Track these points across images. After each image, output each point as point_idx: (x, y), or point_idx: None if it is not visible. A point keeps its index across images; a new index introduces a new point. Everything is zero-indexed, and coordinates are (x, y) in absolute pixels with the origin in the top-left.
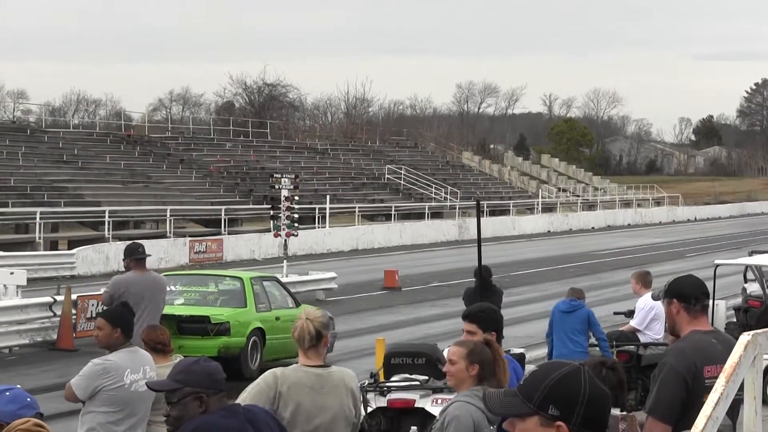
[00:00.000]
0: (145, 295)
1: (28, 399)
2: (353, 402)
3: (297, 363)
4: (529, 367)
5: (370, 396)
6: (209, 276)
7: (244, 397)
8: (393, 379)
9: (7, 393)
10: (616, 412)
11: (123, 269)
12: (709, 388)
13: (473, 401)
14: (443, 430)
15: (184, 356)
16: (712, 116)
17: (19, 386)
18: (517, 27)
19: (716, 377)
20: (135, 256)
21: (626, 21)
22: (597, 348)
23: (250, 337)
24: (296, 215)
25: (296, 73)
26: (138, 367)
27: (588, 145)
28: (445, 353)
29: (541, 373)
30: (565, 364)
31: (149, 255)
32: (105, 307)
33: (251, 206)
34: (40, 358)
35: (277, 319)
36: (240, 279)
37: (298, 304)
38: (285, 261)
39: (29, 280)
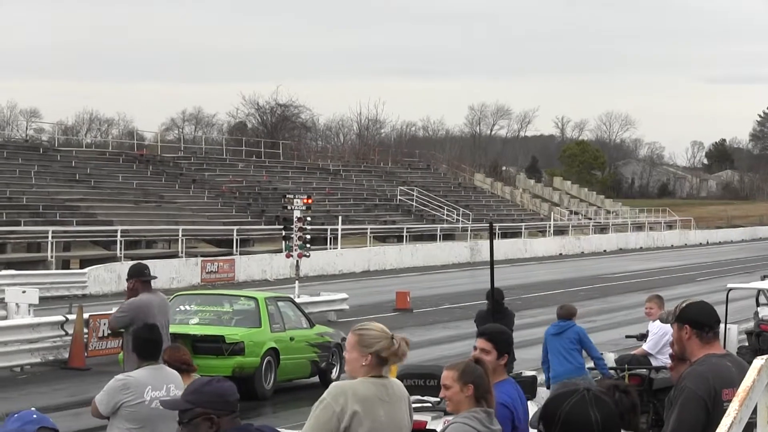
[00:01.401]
0: (158, 316)
1: (34, 416)
2: (410, 413)
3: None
4: (541, 390)
5: None
6: (224, 296)
7: (311, 417)
8: None
9: (15, 415)
10: None
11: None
12: None
13: (471, 422)
14: None
15: (201, 375)
16: (724, 140)
17: (33, 409)
18: (530, 49)
19: None
20: (143, 278)
21: (639, 44)
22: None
23: (264, 358)
24: (308, 236)
25: (309, 94)
26: (161, 385)
27: (600, 167)
28: None
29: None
30: (569, 387)
31: (155, 277)
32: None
33: (263, 227)
34: (51, 377)
35: (291, 339)
36: (255, 299)
37: (312, 325)
38: (297, 282)
39: (41, 298)
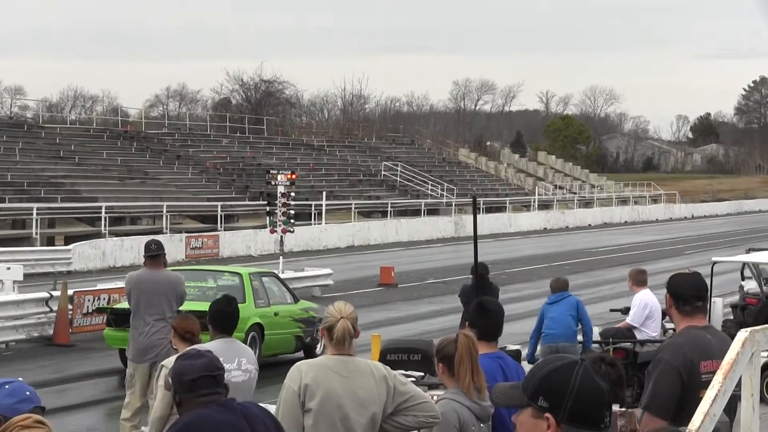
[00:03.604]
0: (151, 293)
1: (27, 392)
2: (386, 389)
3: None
4: (524, 365)
5: None
6: (208, 271)
7: (277, 407)
8: None
9: (6, 386)
10: (615, 408)
11: (124, 265)
12: (706, 384)
13: (458, 398)
14: (429, 427)
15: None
16: (709, 114)
17: (20, 379)
18: (514, 24)
19: (713, 372)
20: (146, 254)
21: (623, 18)
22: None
23: (248, 333)
24: (292, 211)
25: (293, 70)
26: (232, 357)
27: (585, 142)
28: None
29: (538, 365)
30: (563, 358)
31: (160, 252)
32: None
33: (247, 202)
34: (36, 354)
35: (275, 314)
36: (239, 274)
37: (296, 300)
38: (281, 257)
39: (26, 275)
